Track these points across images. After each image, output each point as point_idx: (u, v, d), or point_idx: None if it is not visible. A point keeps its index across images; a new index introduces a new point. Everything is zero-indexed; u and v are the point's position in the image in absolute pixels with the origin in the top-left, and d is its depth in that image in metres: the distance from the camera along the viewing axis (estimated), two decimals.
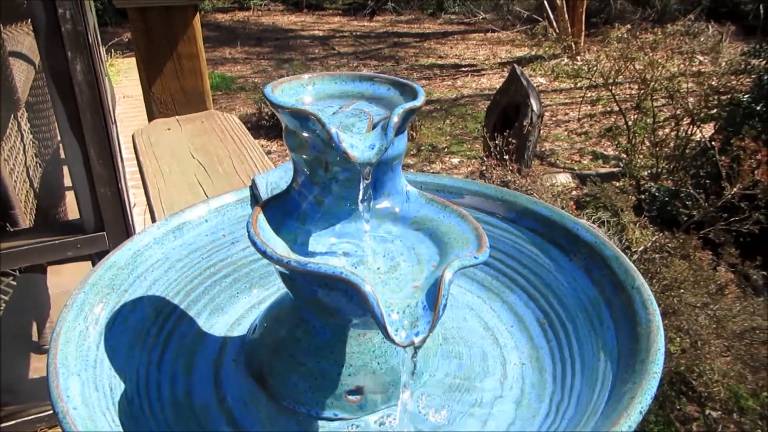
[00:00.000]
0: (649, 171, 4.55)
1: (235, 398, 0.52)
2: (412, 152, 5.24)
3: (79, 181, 1.15)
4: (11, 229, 1.57)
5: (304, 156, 0.48)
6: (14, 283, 1.81)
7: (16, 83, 1.74)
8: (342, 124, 0.47)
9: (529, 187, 3.70)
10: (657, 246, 3.30)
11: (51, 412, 1.62)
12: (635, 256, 3.26)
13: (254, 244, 0.42)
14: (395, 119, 0.44)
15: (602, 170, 5.13)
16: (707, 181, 3.85)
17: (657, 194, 4.22)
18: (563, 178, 4.96)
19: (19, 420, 1.66)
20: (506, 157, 3.34)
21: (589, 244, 0.60)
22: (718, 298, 3.20)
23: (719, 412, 2.94)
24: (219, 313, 0.62)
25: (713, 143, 3.25)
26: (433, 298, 0.39)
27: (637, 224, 3.88)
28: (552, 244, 0.63)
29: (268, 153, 5.15)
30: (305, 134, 0.47)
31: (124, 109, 3.97)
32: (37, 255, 1.28)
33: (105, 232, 1.34)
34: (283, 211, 0.49)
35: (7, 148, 1.61)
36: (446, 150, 5.24)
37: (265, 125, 5.46)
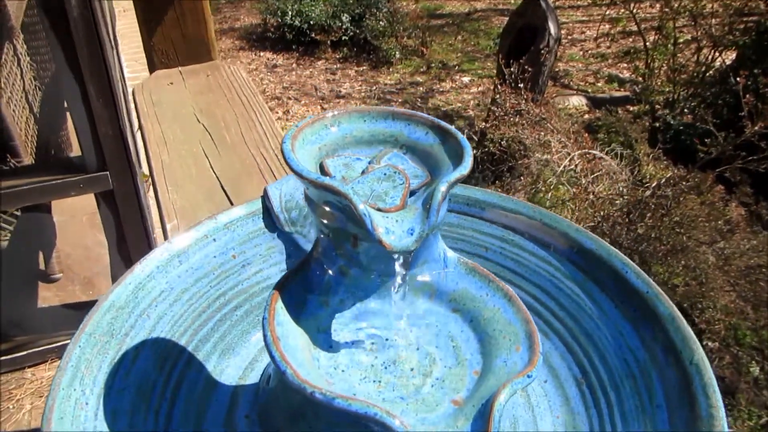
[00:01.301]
0: (665, 97, 4.39)
1: None
2: (421, 69, 5.06)
3: (80, 120, 1.10)
4: (12, 162, 1.53)
5: (329, 224, 0.41)
6: (17, 215, 1.79)
7: (9, 10, 1.63)
8: (373, 193, 0.40)
9: (543, 116, 3.58)
10: (671, 182, 3.22)
11: (61, 342, 1.64)
12: (648, 192, 3.20)
13: (273, 359, 0.36)
14: (439, 197, 0.37)
15: (617, 94, 4.97)
16: (725, 110, 3.72)
17: (672, 122, 4.09)
18: (576, 101, 4.81)
19: (29, 351, 1.67)
20: (521, 85, 3.20)
21: (639, 293, 0.53)
22: (728, 237, 3.17)
23: (716, 344, 2.97)
24: (230, 354, 0.57)
25: (738, 79, 3.10)
26: (481, 428, 0.34)
27: (651, 156, 3.79)
28: (596, 284, 0.57)
29: (274, 67, 4.96)
30: (332, 209, 0.39)
31: (125, 24, 3.77)
32: (39, 195, 1.26)
33: (108, 172, 1.31)
34: (304, 286, 0.42)
35: (3, 75, 1.53)
36: (457, 68, 5.05)
37: (271, 37, 5.23)
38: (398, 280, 0.39)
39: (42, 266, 1.96)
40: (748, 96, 3.06)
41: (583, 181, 3.36)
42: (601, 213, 3.17)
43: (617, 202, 3.22)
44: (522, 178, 3.36)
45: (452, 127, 0.43)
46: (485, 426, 0.33)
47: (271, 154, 0.99)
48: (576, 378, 0.54)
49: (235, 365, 0.57)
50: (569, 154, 3.47)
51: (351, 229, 0.39)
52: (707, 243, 3.03)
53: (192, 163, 1.00)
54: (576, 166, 3.43)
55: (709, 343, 2.98)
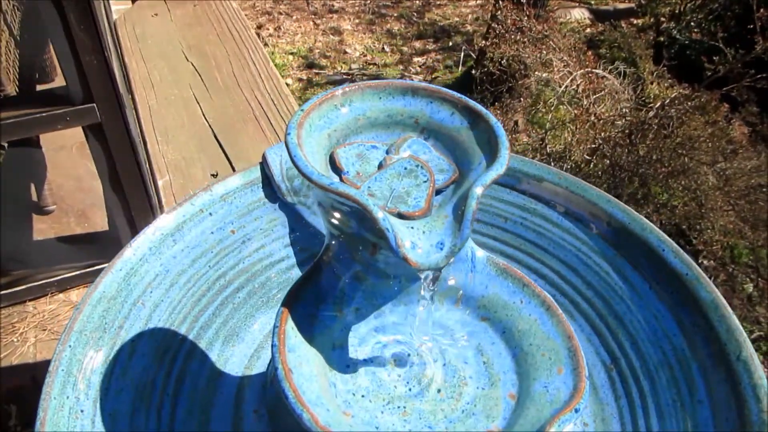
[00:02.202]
0: (670, 9, 4.21)
1: None
2: None
3: (61, 48, 1.03)
4: None
5: (343, 229, 0.36)
6: (4, 146, 1.74)
7: None
8: (394, 193, 0.35)
9: (546, 33, 3.44)
10: (675, 102, 3.14)
11: (61, 276, 1.63)
12: (652, 113, 3.12)
13: (286, 398, 0.31)
14: (473, 204, 0.32)
15: (621, 6, 4.77)
16: (734, 24, 3.57)
17: (677, 37, 3.94)
18: (578, 14, 4.62)
19: (29, 285, 1.66)
20: (523, 0, 3.05)
21: (678, 275, 0.49)
22: (730, 157, 3.13)
23: (713, 262, 3.00)
24: (234, 340, 0.53)
25: None
26: None
27: (655, 74, 3.68)
28: (628, 261, 0.52)
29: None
30: (348, 216, 0.34)
31: None
32: (25, 129, 1.22)
33: (95, 104, 1.25)
34: (316, 297, 0.37)
35: None
36: None
37: None
38: (425, 298, 0.34)
39: (35, 199, 1.91)
40: (761, 10, 2.92)
41: (585, 102, 3.27)
42: (603, 135, 3.10)
43: (619, 123, 3.14)
44: (522, 99, 3.26)
45: (483, 108, 0.37)
46: None
47: (267, 99, 0.92)
48: (605, 364, 0.51)
49: (240, 353, 0.53)
50: (571, 74, 3.36)
51: (369, 237, 0.34)
52: (709, 164, 2.99)
53: (182, 109, 0.93)
54: (578, 86, 3.32)
55: (705, 262, 3.00)
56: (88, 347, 0.46)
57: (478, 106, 0.38)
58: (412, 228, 0.32)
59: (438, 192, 0.36)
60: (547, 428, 0.30)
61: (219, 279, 0.55)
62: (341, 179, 0.36)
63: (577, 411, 0.31)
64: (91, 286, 0.49)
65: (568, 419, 0.31)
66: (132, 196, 1.53)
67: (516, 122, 3.39)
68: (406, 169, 0.36)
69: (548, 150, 3.03)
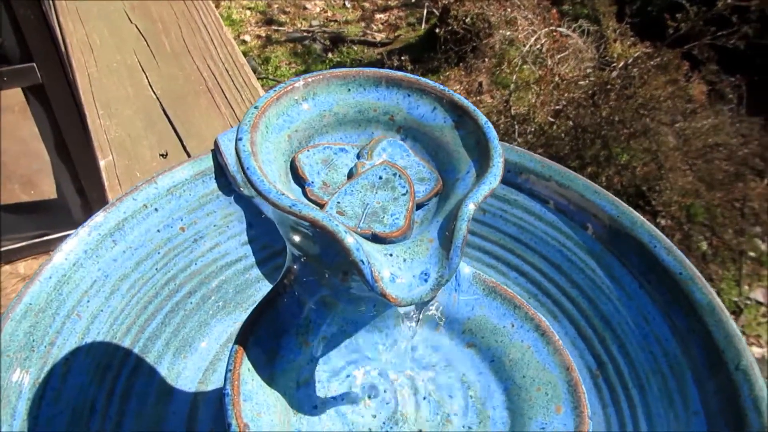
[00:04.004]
0: None
1: None
2: None
3: None
4: None
5: (308, 252, 0.30)
6: None
7: None
8: (367, 210, 0.29)
9: None
10: (639, 61, 3.13)
11: (7, 247, 1.53)
12: (615, 72, 3.10)
13: None
14: (464, 227, 0.27)
15: None
16: None
17: None
18: None
19: None
20: None
21: (670, 274, 0.45)
22: (689, 117, 3.17)
23: (670, 222, 3.04)
24: (186, 352, 0.48)
25: None
26: None
27: (618, 32, 3.66)
28: (616, 258, 0.49)
29: None
30: (314, 241, 0.29)
31: None
32: None
33: (35, 63, 1.15)
34: (276, 328, 0.32)
35: None
36: None
37: None
38: (405, 335, 0.29)
39: None
40: None
41: (549, 62, 3.23)
42: (566, 95, 3.08)
43: (582, 84, 3.13)
44: (486, 59, 3.20)
45: (469, 104, 0.32)
46: None
47: (220, 68, 0.84)
48: (590, 370, 0.47)
49: (194, 366, 0.48)
50: (535, 32, 3.31)
51: (339, 265, 0.29)
52: (668, 124, 3.01)
53: (126, 79, 0.85)
54: (542, 45, 3.28)
55: (663, 222, 3.05)
56: (11, 370, 0.40)
57: (464, 101, 0.32)
58: (391, 255, 0.27)
59: (419, 206, 0.30)
60: None
61: (168, 283, 0.49)
62: (304, 192, 0.30)
63: None
64: (15, 299, 0.43)
65: None
66: (80, 163, 1.43)
67: (480, 83, 3.33)
68: (381, 178, 0.30)
69: (512, 112, 3.00)
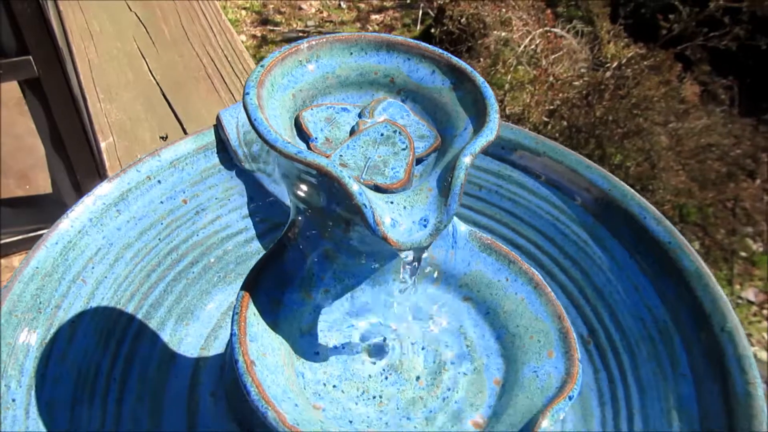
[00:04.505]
0: None
1: None
2: None
3: None
4: None
5: (311, 203, 0.32)
6: None
7: None
8: (369, 163, 0.31)
9: None
10: (632, 62, 3.15)
11: (2, 241, 1.54)
12: (609, 73, 3.13)
13: (249, 395, 0.28)
14: (462, 175, 0.28)
15: None
16: None
17: None
18: None
19: None
20: None
21: (659, 243, 0.47)
22: (682, 117, 3.19)
23: None
24: (188, 319, 0.49)
25: None
26: None
27: (612, 33, 3.68)
28: (608, 230, 0.50)
29: None
30: (317, 190, 0.30)
31: None
32: None
33: (31, 56, 1.16)
34: (280, 279, 0.33)
35: None
36: None
37: None
38: (404, 281, 0.31)
39: None
40: None
41: (544, 62, 3.26)
42: (561, 96, 3.11)
43: (576, 84, 3.15)
44: (481, 59, 3.22)
45: (467, 66, 0.33)
46: None
47: (219, 54, 0.85)
48: (582, 337, 0.48)
49: (195, 333, 0.49)
50: (530, 33, 3.34)
51: (342, 214, 0.30)
52: (662, 124, 3.04)
53: (126, 65, 0.86)
54: (537, 45, 3.30)
55: None
56: (19, 330, 0.41)
57: (463, 64, 0.34)
58: (392, 203, 0.28)
59: (419, 161, 0.32)
60: (540, 418, 0.27)
61: (170, 253, 0.50)
62: (309, 147, 0.32)
63: (570, 398, 0.29)
64: (22, 262, 0.44)
65: (561, 408, 0.28)
66: (76, 157, 1.44)
67: None
68: (382, 135, 0.32)
69: (507, 112, 3.01)
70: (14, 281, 0.43)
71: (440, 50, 0.34)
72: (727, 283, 2.79)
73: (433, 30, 3.32)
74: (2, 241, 1.54)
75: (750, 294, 2.77)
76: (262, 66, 0.31)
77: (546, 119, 3.15)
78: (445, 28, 3.33)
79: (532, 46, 3.36)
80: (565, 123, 3.12)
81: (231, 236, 0.53)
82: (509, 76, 3.27)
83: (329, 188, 0.29)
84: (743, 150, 3.25)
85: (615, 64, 3.25)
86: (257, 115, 0.29)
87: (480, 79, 0.32)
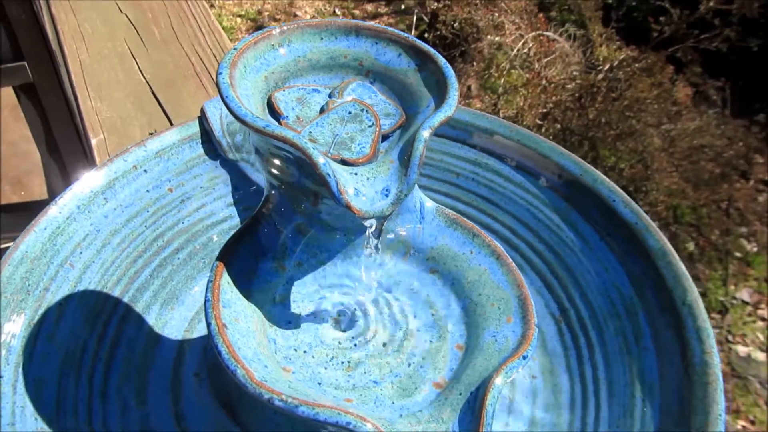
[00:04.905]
0: None
1: None
2: None
3: None
4: None
5: (282, 178, 0.33)
6: None
7: None
8: (336, 139, 0.32)
9: None
10: (624, 64, 3.18)
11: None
12: (601, 75, 3.16)
13: (220, 354, 0.29)
14: (420, 147, 0.30)
15: None
16: None
17: None
18: None
19: None
20: None
21: (627, 225, 0.49)
22: (675, 118, 3.22)
23: (657, 223, 3.07)
24: (173, 303, 0.51)
25: None
26: (470, 427, 0.29)
27: (604, 36, 3.71)
28: (579, 213, 0.52)
29: None
30: (286, 164, 0.32)
31: None
32: None
33: (26, 62, 1.17)
34: (255, 251, 0.35)
35: None
36: None
37: None
38: (370, 248, 0.33)
39: None
40: None
41: (536, 66, 3.28)
42: (554, 99, 3.13)
43: (569, 87, 3.17)
44: (474, 63, 3.25)
45: (432, 49, 0.35)
46: (476, 422, 0.29)
47: (208, 53, 0.87)
48: (553, 316, 0.50)
49: (180, 316, 0.50)
50: (522, 36, 3.36)
51: (311, 186, 0.32)
52: (654, 125, 3.06)
53: (117, 64, 0.88)
54: (529, 49, 3.33)
55: None
56: (8, 310, 0.43)
57: (427, 47, 0.35)
58: (356, 174, 0.30)
59: (384, 137, 0.34)
60: (494, 376, 0.29)
61: (156, 239, 0.52)
62: (280, 124, 0.33)
63: (524, 358, 0.30)
64: (11, 246, 0.45)
65: (515, 366, 0.30)
66: (71, 162, 1.45)
67: (469, 87, 3.37)
68: (350, 113, 0.33)
69: (501, 115, 3.04)
70: (4, 264, 0.44)
71: (405, 34, 0.36)
72: (722, 284, 2.80)
73: (426, 35, 3.34)
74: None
75: (744, 294, 2.78)
76: (235, 49, 0.33)
77: (539, 122, 3.17)
78: (439, 32, 3.36)
79: (525, 50, 3.39)
80: (558, 126, 3.14)
81: (216, 224, 0.54)
82: (503, 80, 3.30)
83: (298, 162, 0.31)
84: (736, 151, 3.27)
85: (607, 66, 3.27)
86: (228, 92, 0.30)
87: (442, 61, 0.34)
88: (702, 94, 3.44)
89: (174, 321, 0.50)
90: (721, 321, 2.65)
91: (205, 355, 0.48)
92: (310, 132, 0.32)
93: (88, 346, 0.46)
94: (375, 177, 0.30)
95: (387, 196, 0.30)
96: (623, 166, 3.01)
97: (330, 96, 0.35)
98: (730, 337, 2.60)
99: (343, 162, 0.32)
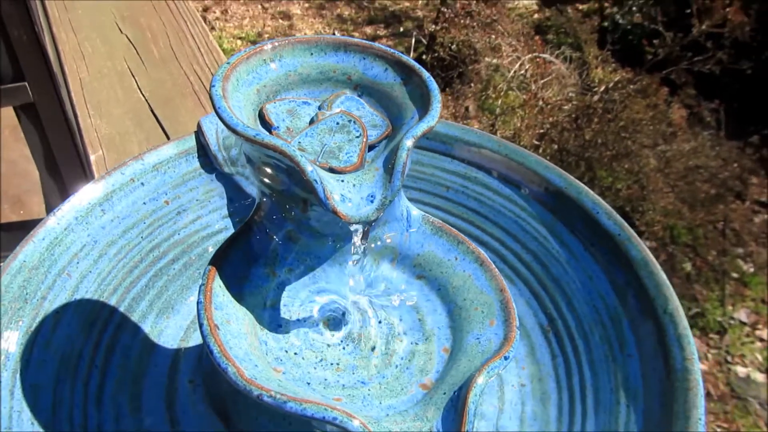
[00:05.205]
0: None
1: None
2: None
3: None
4: None
5: (273, 186, 0.35)
6: None
7: None
8: (325, 148, 0.34)
9: (494, 18, 3.47)
10: (619, 86, 3.22)
11: None
12: (596, 96, 3.19)
13: (211, 353, 0.30)
14: (404, 155, 0.31)
15: None
16: (672, 8, 3.68)
17: (620, 21, 4.04)
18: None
19: None
20: None
21: (611, 236, 0.50)
22: (670, 139, 3.24)
23: (654, 243, 3.09)
24: (168, 312, 0.52)
25: None
26: (453, 425, 0.30)
27: (599, 58, 3.76)
28: (565, 225, 0.53)
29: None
30: (276, 171, 0.33)
31: None
32: None
33: (27, 82, 1.19)
34: (246, 257, 0.36)
35: None
36: None
37: None
38: (357, 252, 0.34)
39: None
40: None
41: (533, 87, 3.32)
42: (550, 119, 3.16)
43: (566, 108, 3.21)
44: (472, 84, 3.29)
45: (416, 64, 0.37)
46: (459, 419, 0.30)
47: (206, 72, 0.89)
48: (542, 326, 0.51)
49: (176, 325, 0.51)
50: (519, 58, 3.41)
51: (300, 193, 0.33)
52: (650, 146, 3.09)
53: (116, 82, 0.90)
54: (526, 71, 3.37)
55: (647, 243, 3.08)
56: (6, 318, 0.44)
57: (412, 62, 0.37)
58: (342, 181, 0.32)
59: (371, 147, 0.35)
60: (476, 375, 0.30)
61: (153, 250, 0.53)
62: (271, 134, 0.35)
63: (506, 358, 0.32)
64: (10, 256, 0.47)
65: (497, 366, 0.31)
66: (70, 181, 1.47)
67: (467, 108, 3.41)
68: (338, 124, 0.35)
69: (499, 136, 3.06)
70: (2, 273, 0.46)
71: (392, 50, 0.37)
72: (719, 304, 2.80)
73: (424, 57, 3.39)
74: None
75: (742, 315, 2.77)
76: (228, 63, 0.35)
77: (536, 142, 3.20)
78: (437, 54, 3.40)
79: (522, 72, 3.43)
80: (555, 146, 3.17)
81: (211, 235, 0.55)
82: (500, 101, 3.33)
83: (287, 170, 0.32)
84: (731, 172, 3.29)
85: (603, 88, 3.31)
86: (221, 103, 0.32)
87: (426, 75, 0.36)
88: (696, 115, 3.48)
89: (169, 330, 0.51)
90: (719, 341, 2.65)
91: (200, 363, 0.48)
92: (300, 142, 0.34)
93: (84, 354, 0.47)
94: (361, 184, 0.31)
95: (372, 201, 0.31)
96: (620, 187, 3.04)
97: (319, 108, 0.36)
98: (729, 358, 2.59)
99: (331, 170, 0.33)
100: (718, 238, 3.13)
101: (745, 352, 2.65)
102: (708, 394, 2.43)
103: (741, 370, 2.56)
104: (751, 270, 2.97)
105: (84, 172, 1.25)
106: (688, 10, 3.18)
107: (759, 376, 2.52)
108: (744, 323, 2.75)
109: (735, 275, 2.98)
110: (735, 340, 2.70)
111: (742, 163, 3.28)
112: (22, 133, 1.33)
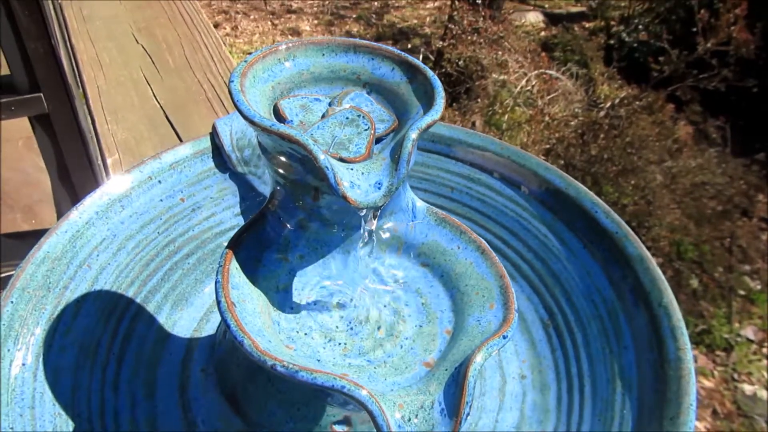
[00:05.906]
0: (620, 13, 4.35)
1: (206, 423, 0.46)
2: None
3: (5, 34, 0.99)
4: None
5: (286, 175, 0.37)
6: None
7: None
8: (335, 140, 0.36)
9: (501, 35, 3.51)
10: (625, 102, 3.24)
11: (5, 274, 1.58)
12: (603, 113, 3.22)
13: (229, 327, 0.32)
14: (409, 146, 0.33)
15: (573, 9, 4.89)
16: (678, 26, 3.71)
17: (626, 39, 4.07)
18: (532, 17, 4.72)
19: None
20: (478, 1, 3.11)
21: (609, 233, 0.52)
22: (676, 156, 3.25)
23: (660, 259, 3.08)
24: (183, 304, 0.54)
25: None
26: (454, 398, 0.32)
27: (605, 75, 3.79)
28: (565, 224, 0.55)
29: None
30: (290, 160, 0.35)
31: None
32: None
33: (42, 93, 1.22)
34: (260, 243, 0.39)
35: None
36: None
37: None
38: (365, 237, 0.36)
39: None
40: (702, 11, 3.04)
41: (540, 103, 3.35)
42: (556, 135, 3.19)
43: (572, 123, 3.23)
44: (479, 99, 3.32)
45: (421, 64, 0.39)
46: (459, 392, 0.32)
47: (219, 80, 0.92)
48: (542, 320, 0.53)
49: (189, 316, 0.54)
50: (526, 74, 3.44)
51: (311, 182, 0.36)
52: (656, 162, 3.10)
53: (132, 90, 0.93)
54: (533, 87, 3.40)
55: (653, 259, 3.08)
56: (31, 305, 0.46)
57: (417, 62, 0.39)
58: (352, 170, 0.34)
59: (378, 140, 0.37)
60: (476, 352, 0.32)
61: (168, 245, 0.55)
62: None
63: (504, 338, 0.33)
64: (35, 247, 0.49)
65: (495, 344, 0.33)
66: (82, 190, 1.50)
67: (474, 123, 3.44)
68: (348, 118, 0.37)
69: None
70: (27, 263, 0.48)
71: (398, 51, 0.40)
72: (726, 321, 2.79)
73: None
74: (6, 274, 1.59)
75: (749, 332, 2.76)
76: (245, 61, 0.37)
77: (543, 157, 3.21)
78: (444, 70, 3.44)
79: (529, 88, 3.46)
80: (561, 161, 3.19)
81: (224, 231, 0.58)
82: (506, 116, 3.36)
83: (300, 159, 0.35)
84: (737, 188, 3.30)
85: (609, 104, 3.33)
86: (239, 97, 0.34)
87: (430, 73, 0.38)
88: (702, 132, 3.49)
89: (183, 321, 0.53)
90: (726, 359, 2.64)
91: (213, 353, 0.50)
92: (312, 134, 0.36)
93: (102, 342, 0.49)
94: (369, 172, 0.34)
95: (379, 188, 0.33)
96: (626, 202, 3.04)
97: (330, 104, 0.39)
98: (735, 375, 2.58)
99: (341, 160, 0.35)
100: (725, 255, 3.13)
101: (752, 370, 2.63)
102: (714, 412, 2.42)
103: (748, 388, 2.54)
104: (758, 287, 2.96)
105: (96, 182, 1.28)
106: (694, 29, 3.21)
107: (765, 394, 2.50)
108: (751, 341, 2.74)
109: (742, 292, 2.97)
110: (742, 358, 2.69)
111: (748, 180, 3.28)
112: (35, 143, 1.36)
